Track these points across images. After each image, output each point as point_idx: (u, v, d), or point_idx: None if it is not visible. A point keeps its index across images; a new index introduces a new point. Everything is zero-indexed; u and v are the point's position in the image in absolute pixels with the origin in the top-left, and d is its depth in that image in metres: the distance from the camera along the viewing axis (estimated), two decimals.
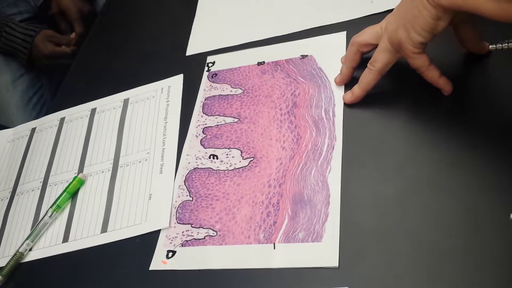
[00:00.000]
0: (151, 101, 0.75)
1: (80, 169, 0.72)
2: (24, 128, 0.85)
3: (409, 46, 0.53)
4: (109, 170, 0.70)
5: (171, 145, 0.68)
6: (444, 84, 0.56)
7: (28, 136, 0.82)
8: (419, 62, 0.54)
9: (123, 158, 0.70)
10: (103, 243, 0.63)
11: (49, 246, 0.66)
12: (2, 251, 0.68)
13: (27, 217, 0.70)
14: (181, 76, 0.76)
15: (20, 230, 0.69)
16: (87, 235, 0.64)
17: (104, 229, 0.64)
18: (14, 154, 0.81)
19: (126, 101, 0.78)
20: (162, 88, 0.76)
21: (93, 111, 0.79)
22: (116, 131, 0.74)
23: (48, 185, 0.73)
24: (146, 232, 0.61)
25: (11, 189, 0.76)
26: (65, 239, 0.65)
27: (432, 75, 0.56)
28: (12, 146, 0.83)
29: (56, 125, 0.81)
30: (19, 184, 0.76)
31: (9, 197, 0.75)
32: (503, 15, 0.43)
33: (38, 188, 0.73)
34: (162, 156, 0.67)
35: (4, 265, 0.65)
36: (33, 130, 0.83)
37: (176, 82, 0.76)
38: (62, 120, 0.81)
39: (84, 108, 0.81)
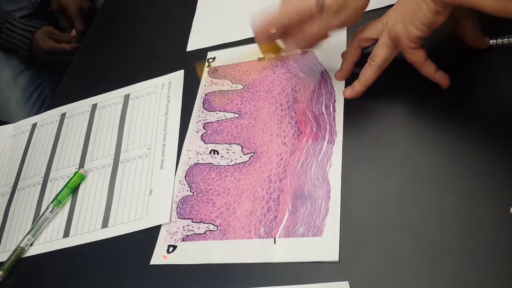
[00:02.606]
0: (152, 96, 0.75)
1: (81, 165, 0.72)
2: (25, 124, 0.85)
3: (406, 40, 0.53)
4: (109, 165, 0.70)
5: (171, 140, 0.68)
6: (440, 79, 0.56)
7: (29, 132, 0.83)
8: (415, 57, 0.55)
9: (124, 154, 0.70)
10: (103, 238, 0.63)
11: (49, 241, 0.66)
12: (3, 246, 0.68)
13: (28, 212, 0.71)
14: (182, 72, 0.76)
15: (21, 225, 0.70)
16: (87, 230, 0.64)
17: (104, 224, 0.64)
18: (15, 149, 0.81)
19: (127, 97, 0.78)
20: (163, 84, 0.76)
21: (94, 106, 0.79)
22: (117, 126, 0.74)
23: (49, 180, 0.73)
24: (147, 228, 0.61)
25: (12, 184, 0.76)
26: (66, 234, 0.65)
27: (428, 70, 0.56)
28: (13, 142, 0.83)
29: (57, 121, 0.81)
30: (20, 179, 0.76)
31: (10, 192, 0.75)
32: (502, 10, 0.43)
33: (39, 183, 0.73)
34: (163, 152, 0.68)
35: (5, 260, 0.65)
36: (34, 125, 0.83)
37: (177, 78, 0.76)
38: (63, 115, 0.81)
39: (85, 104, 0.81)
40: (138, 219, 0.62)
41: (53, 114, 0.83)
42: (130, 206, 0.64)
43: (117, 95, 0.79)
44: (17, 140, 0.83)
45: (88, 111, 0.79)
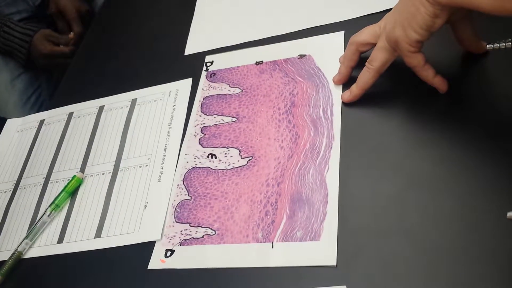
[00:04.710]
0: (158, 103, 0.75)
1: (82, 169, 0.72)
2: (33, 119, 0.85)
3: (406, 44, 0.53)
4: (109, 172, 0.70)
5: (172, 152, 0.68)
6: (439, 83, 0.56)
7: (36, 128, 0.83)
8: (415, 61, 0.55)
9: (124, 162, 0.70)
10: (95, 248, 0.63)
11: (44, 245, 0.66)
12: (0, 245, 0.68)
13: (27, 212, 0.71)
14: (190, 80, 0.75)
15: (19, 225, 0.70)
16: (81, 238, 0.64)
17: (98, 234, 0.64)
18: (21, 145, 0.81)
19: (133, 101, 0.77)
20: (170, 91, 0.75)
21: (101, 108, 0.79)
22: (121, 132, 0.74)
23: (50, 181, 0.73)
24: (138, 243, 0.61)
25: (15, 182, 0.76)
26: (60, 240, 0.65)
27: (427, 74, 0.56)
28: (20, 137, 0.83)
29: (64, 120, 0.81)
30: (22, 178, 0.76)
31: (12, 189, 0.75)
32: (500, 9, 0.43)
33: (40, 184, 0.73)
34: (162, 164, 0.67)
35: (2, 260, 0.65)
36: (42, 122, 0.83)
37: (184, 86, 0.75)
38: (70, 115, 0.81)
39: (92, 105, 0.81)
40: (131, 233, 0.62)
41: (61, 112, 0.83)
42: (124, 218, 0.64)
43: (124, 98, 0.79)
44: (24, 135, 0.83)
45: (95, 113, 0.79)
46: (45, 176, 0.74)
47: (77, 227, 0.66)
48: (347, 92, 0.61)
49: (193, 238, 0.58)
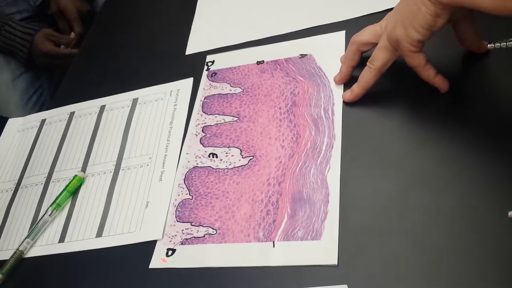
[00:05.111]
0: (159, 103, 0.75)
1: (83, 168, 0.72)
2: (34, 119, 0.85)
3: (407, 44, 0.53)
4: (110, 172, 0.70)
5: (173, 152, 0.68)
6: (440, 83, 0.56)
7: (38, 128, 0.83)
8: (416, 61, 0.55)
9: (126, 161, 0.70)
10: (96, 248, 0.63)
11: (45, 244, 0.66)
12: (1, 244, 0.69)
13: (28, 212, 0.71)
14: (191, 80, 0.75)
15: (20, 224, 0.70)
16: (82, 237, 0.64)
17: (99, 234, 0.64)
18: (23, 144, 0.82)
19: (135, 101, 0.77)
20: (171, 91, 0.75)
21: (102, 108, 0.79)
22: (122, 131, 0.74)
23: (51, 181, 0.73)
24: (139, 242, 0.61)
25: (16, 181, 0.76)
26: (61, 239, 0.65)
27: (428, 74, 0.56)
28: (22, 136, 0.83)
29: (65, 119, 0.81)
30: (24, 177, 0.76)
31: (13, 189, 0.75)
32: (501, 8, 0.43)
33: (42, 183, 0.74)
34: (164, 163, 0.67)
35: (3, 259, 0.65)
36: (43, 121, 0.83)
37: (185, 86, 0.75)
38: (71, 114, 0.81)
39: (93, 104, 0.81)
40: (132, 232, 0.62)
41: (62, 112, 0.83)
42: (126, 217, 0.64)
43: (125, 98, 0.79)
44: (25, 135, 0.83)
45: (96, 112, 0.79)
46: (46, 175, 0.74)
47: (78, 227, 0.66)
48: (348, 92, 0.61)
49: (194, 237, 0.58)
